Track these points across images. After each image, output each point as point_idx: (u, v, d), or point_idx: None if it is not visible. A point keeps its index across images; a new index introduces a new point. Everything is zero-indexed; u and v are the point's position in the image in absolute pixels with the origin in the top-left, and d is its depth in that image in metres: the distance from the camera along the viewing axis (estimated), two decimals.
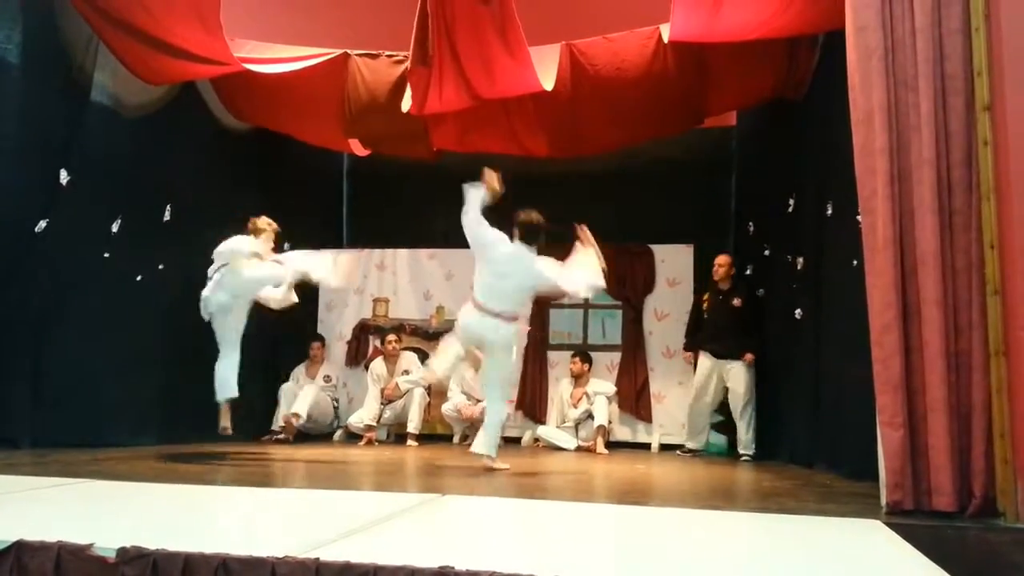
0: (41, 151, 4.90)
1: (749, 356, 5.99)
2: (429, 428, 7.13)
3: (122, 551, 2.02)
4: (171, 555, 2.00)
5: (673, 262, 7.34)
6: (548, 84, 5.40)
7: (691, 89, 5.68)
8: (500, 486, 4.02)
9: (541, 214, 4.51)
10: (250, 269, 4.89)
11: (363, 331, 7.73)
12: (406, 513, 2.86)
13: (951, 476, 2.88)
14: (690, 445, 6.35)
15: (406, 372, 6.88)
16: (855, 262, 3.78)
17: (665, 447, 6.86)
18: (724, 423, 6.52)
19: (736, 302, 6.16)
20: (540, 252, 4.51)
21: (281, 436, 6.61)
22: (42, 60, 4.93)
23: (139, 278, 5.53)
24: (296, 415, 6.69)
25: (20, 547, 2.07)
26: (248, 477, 4.17)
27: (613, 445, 6.71)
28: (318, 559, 1.95)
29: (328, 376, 7.15)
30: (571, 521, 2.90)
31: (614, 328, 7.40)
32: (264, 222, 5.06)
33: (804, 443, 5.22)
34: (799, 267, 5.37)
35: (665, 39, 5.21)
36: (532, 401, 7.23)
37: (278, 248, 5.21)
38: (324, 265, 5.15)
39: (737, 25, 4.73)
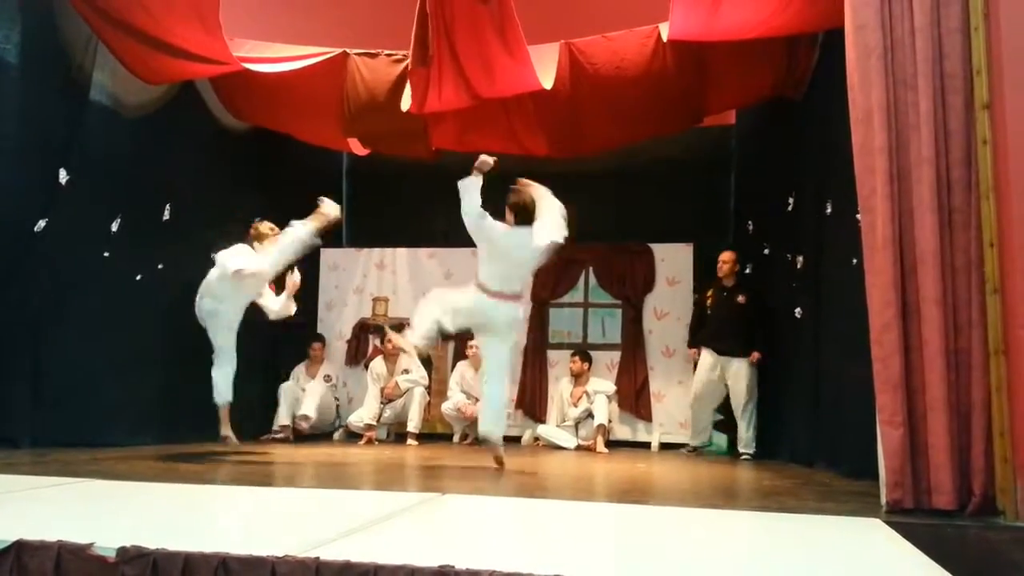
0: (40, 151, 4.89)
1: (755, 355, 5.97)
2: (429, 427, 7.14)
3: (122, 551, 2.02)
4: (171, 554, 1.99)
5: (673, 261, 7.34)
6: (547, 83, 5.40)
7: (690, 88, 5.68)
8: (500, 485, 4.02)
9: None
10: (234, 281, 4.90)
11: (363, 330, 7.73)
12: (406, 512, 2.86)
13: (951, 475, 2.88)
14: (693, 443, 6.36)
15: (406, 371, 6.90)
16: (855, 261, 3.78)
17: (665, 446, 6.86)
18: (724, 422, 6.53)
19: (740, 299, 6.14)
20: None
21: (280, 436, 6.61)
22: (41, 60, 4.92)
23: (139, 278, 5.53)
24: (305, 417, 6.72)
25: (20, 547, 2.07)
26: (248, 476, 4.17)
27: (613, 444, 6.72)
28: (318, 558, 1.95)
29: (328, 376, 7.17)
30: (571, 520, 2.90)
31: (614, 327, 7.41)
32: (266, 227, 5.07)
33: (804, 442, 5.22)
34: (799, 266, 5.37)
35: (664, 38, 5.21)
36: (532, 400, 7.23)
37: None
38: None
39: (736, 24, 4.73)
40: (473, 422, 6.37)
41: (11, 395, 4.74)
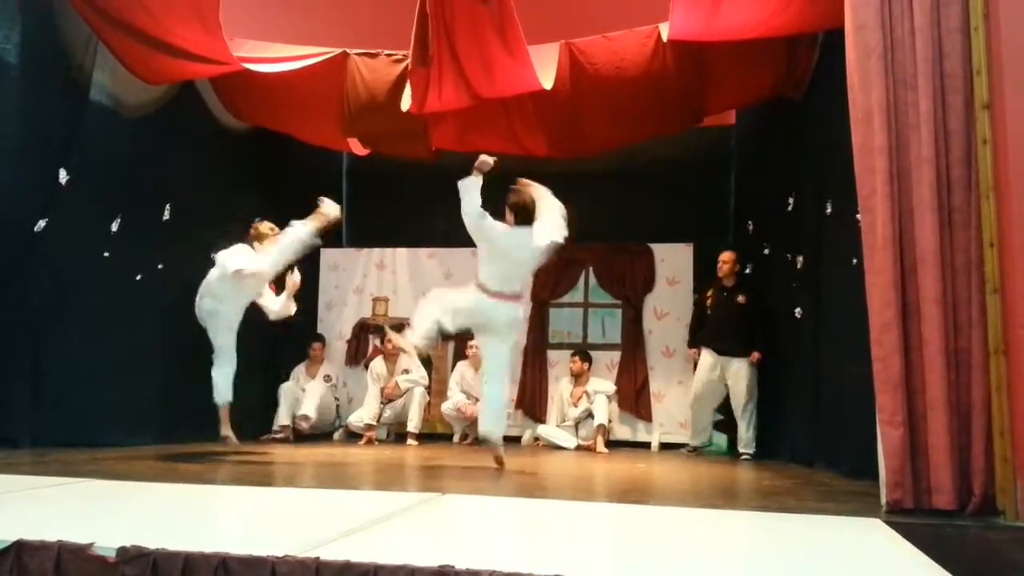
0: (40, 151, 4.89)
1: (755, 355, 5.96)
2: (429, 427, 7.14)
3: (122, 550, 2.02)
4: (171, 554, 1.99)
5: (673, 261, 7.34)
6: (547, 83, 5.40)
7: (690, 88, 5.68)
8: (500, 485, 4.02)
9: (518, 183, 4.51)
10: (233, 282, 4.90)
11: (363, 330, 7.73)
12: (406, 512, 2.86)
13: (951, 474, 2.88)
14: (693, 443, 6.36)
15: (406, 371, 6.90)
16: (855, 260, 3.78)
17: (665, 446, 6.86)
18: (724, 422, 6.53)
19: (740, 299, 6.14)
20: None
21: (280, 436, 6.61)
22: (41, 60, 4.92)
23: (139, 278, 5.53)
24: (306, 417, 6.72)
25: (20, 547, 2.07)
26: (248, 476, 4.17)
27: (613, 444, 6.72)
28: (318, 558, 1.95)
29: (328, 376, 7.17)
30: (571, 520, 2.90)
31: (614, 327, 7.41)
32: (266, 227, 5.08)
33: (804, 442, 5.22)
34: (799, 266, 5.37)
35: (664, 38, 5.21)
36: (532, 400, 7.23)
37: None
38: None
39: (736, 24, 4.73)
40: (473, 422, 6.37)
41: (11, 395, 4.74)
